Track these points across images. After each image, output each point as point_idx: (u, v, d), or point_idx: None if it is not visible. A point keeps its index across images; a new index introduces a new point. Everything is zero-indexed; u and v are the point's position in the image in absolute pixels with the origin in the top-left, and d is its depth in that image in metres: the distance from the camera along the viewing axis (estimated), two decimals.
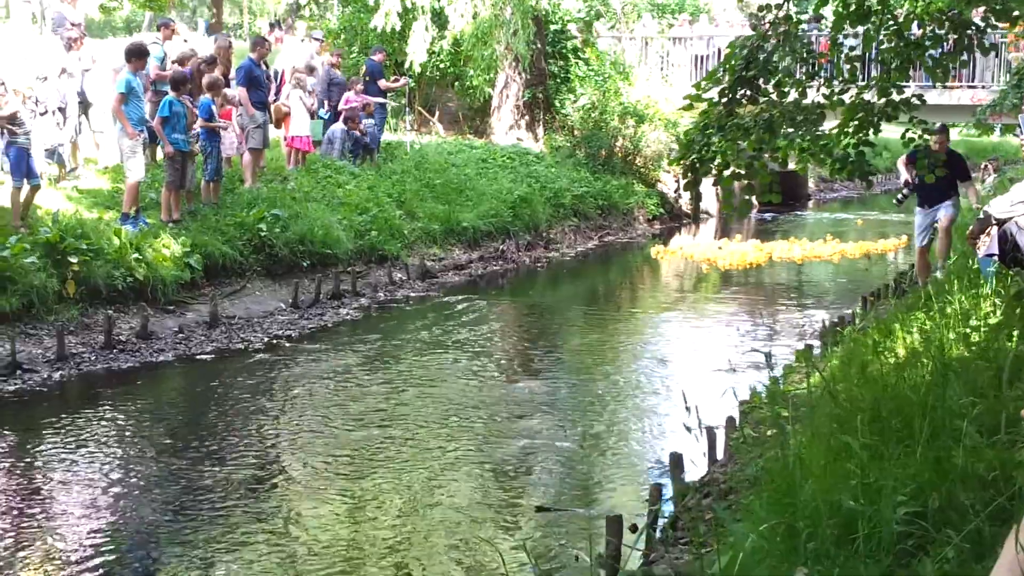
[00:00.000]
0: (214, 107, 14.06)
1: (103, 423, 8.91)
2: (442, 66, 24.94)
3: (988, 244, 8.27)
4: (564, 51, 25.28)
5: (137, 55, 13.06)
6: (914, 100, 8.01)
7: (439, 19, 23.93)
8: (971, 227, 8.78)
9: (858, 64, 8.74)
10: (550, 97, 24.80)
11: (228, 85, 15.27)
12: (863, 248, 19.60)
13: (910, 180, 12.23)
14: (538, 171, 21.64)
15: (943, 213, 12.14)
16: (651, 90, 25.23)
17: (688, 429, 5.79)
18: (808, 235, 21.73)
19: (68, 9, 17.39)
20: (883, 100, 8.03)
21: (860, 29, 8.36)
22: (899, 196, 12.96)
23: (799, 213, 28.82)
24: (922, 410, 4.69)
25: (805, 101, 7.79)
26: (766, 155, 7.30)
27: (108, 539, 6.56)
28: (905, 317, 7.77)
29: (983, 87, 22.53)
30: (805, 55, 7.75)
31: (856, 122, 7.79)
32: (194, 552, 6.39)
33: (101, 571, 6.10)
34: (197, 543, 6.51)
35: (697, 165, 7.23)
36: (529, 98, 24.38)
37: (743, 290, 16.61)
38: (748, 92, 7.51)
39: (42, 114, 13.63)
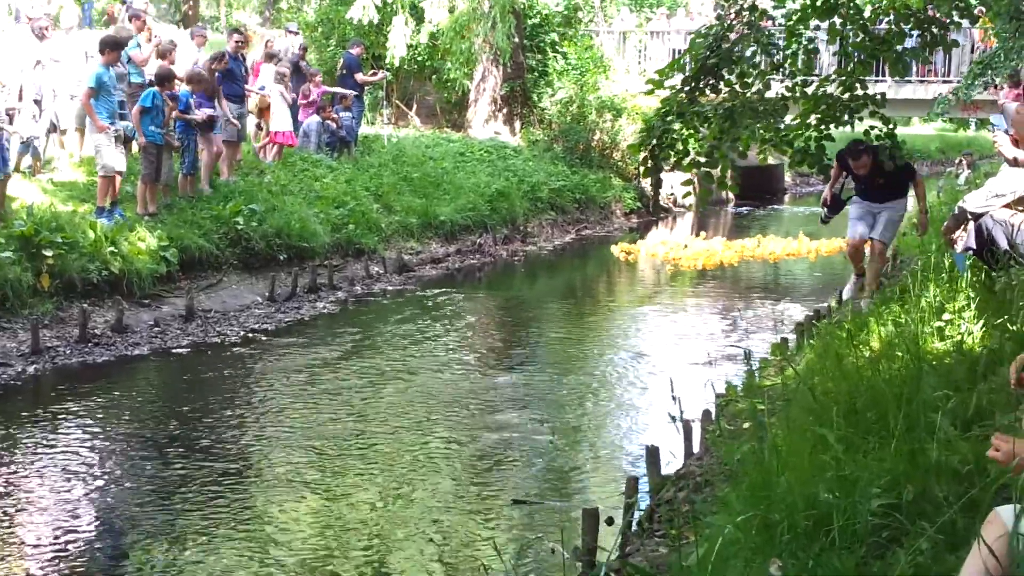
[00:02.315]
0: (192, 100, 14.00)
1: (78, 417, 8.86)
2: (420, 59, 24.90)
3: (965, 239, 8.31)
4: (542, 45, 25.27)
5: (111, 47, 12.94)
6: (877, 96, 8.05)
7: (416, 12, 23.89)
8: (946, 222, 8.83)
9: (815, 56, 8.77)
10: (528, 91, 24.79)
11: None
12: (836, 245, 19.56)
13: (828, 199, 10.63)
14: (515, 165, 21.64)
15: (883, 219, 10.22)
16: (629, 84, 25.26)
17: (672, 418, 5.82)
18: (784, 229, 21.79)
19: (28, 5, 17.14)
20: (846, 95, 8.07)
21: (825, 23, 8.40)
22: (823, 216, 10.94)
23: (775, 207, 28.93)
24: (897, 403, 4.72)
25: (769, 93, 7.82)
26: (726, 144, 7.31)
27: (83, 532, 6.52)
28: (880, 310, 7.81)
29: (959, 81, 22.65)
30: (769, 46, 7.78)
31: (819, 115, 7.83)
32: (169, 545, 6.36)
33: (76, 564, 6.07)
34: (173, 536, 6.49)
35: (656, 152, 7.24)
36: (507, 92, 24.37)
37: (719, 285, 16.65)
38: (711, 81, 7.53)
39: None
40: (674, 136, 7.34)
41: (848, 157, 10.10)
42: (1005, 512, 3.14)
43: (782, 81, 8.05)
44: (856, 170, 10.07)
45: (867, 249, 10.45)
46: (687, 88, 7.37)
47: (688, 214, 25.10)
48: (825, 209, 10.78)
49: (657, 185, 22.58)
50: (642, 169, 8.85)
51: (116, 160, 12.65)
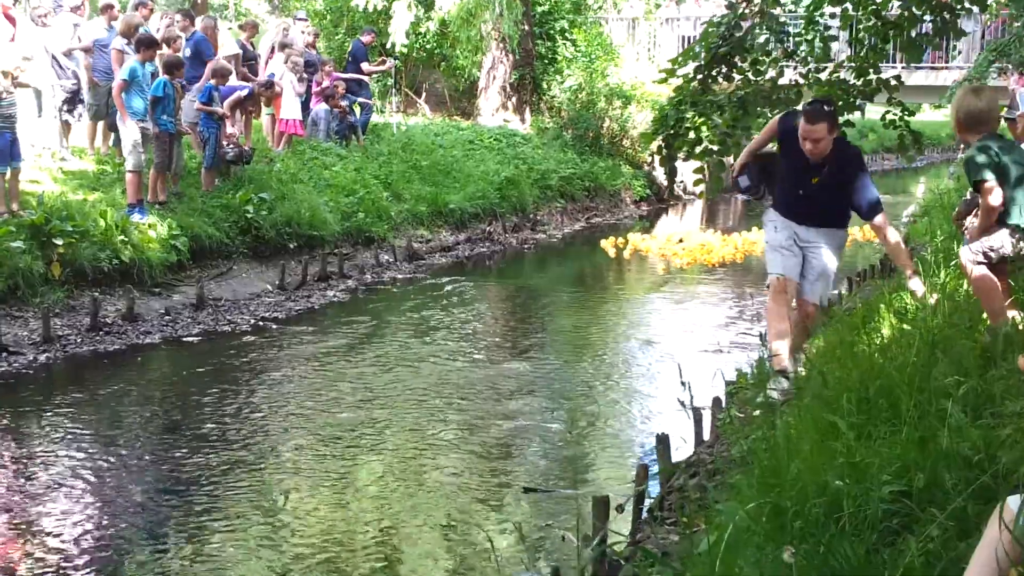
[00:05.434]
0: (216, 93, 14.03)
1: (90, 405, 8.90)
2: (428, 47, 24.87)
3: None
4: (552, 32, 25.21)
5: (146, 45, 12.99)
6: (892, 81, 8.01)
7: None
8: (957, 208, 8.80)
9: (833, 43, 8.73)
10: (537, 78, 24.73)
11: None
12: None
13: (739, 178, 7.25)
14: (525, 152, 21.61)
15: (814, 262, 6.95)
16: (638, 71, 25.19)
17: (682, 404, 5.80)
18: None
19: None
20: (860, 80, 8.04)
21: (838, 8, 8.38)
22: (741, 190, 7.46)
23: None
24: (908, 390, 4.71)
25: (782, 80, 7.79)
26: (739, 133, 7.27)
27: (95, 522, 6.55)
28: (891, 297, 7.79)
29: (970, 68, 22.55)
30: (781, 33, 7.76)
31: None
32: (182, 534, 6.39)
33: (87, 552, 6.09)
34: (184, 525, 6.52)
35: (672, 141, 7.24)
36: (516, 79, 24.31)
37: (729, 272, 16.60)
38: (724, 69, 7.51)
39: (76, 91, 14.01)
40: (687, 125, 7.32)
41: (800, 118, 6.64)
42: (1013, 502, 3.14)
43: (795, 68, 8.02)
44: (804, 138, 6.57)
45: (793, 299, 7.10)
46: (700, 76, 7.36)
47: (698, 202, 25.00)
48: (742, 195, 7.64)
49: (672, 174, 21.79)
50: (657, 158, 8.81)
51: (140, 157, 12.64)
